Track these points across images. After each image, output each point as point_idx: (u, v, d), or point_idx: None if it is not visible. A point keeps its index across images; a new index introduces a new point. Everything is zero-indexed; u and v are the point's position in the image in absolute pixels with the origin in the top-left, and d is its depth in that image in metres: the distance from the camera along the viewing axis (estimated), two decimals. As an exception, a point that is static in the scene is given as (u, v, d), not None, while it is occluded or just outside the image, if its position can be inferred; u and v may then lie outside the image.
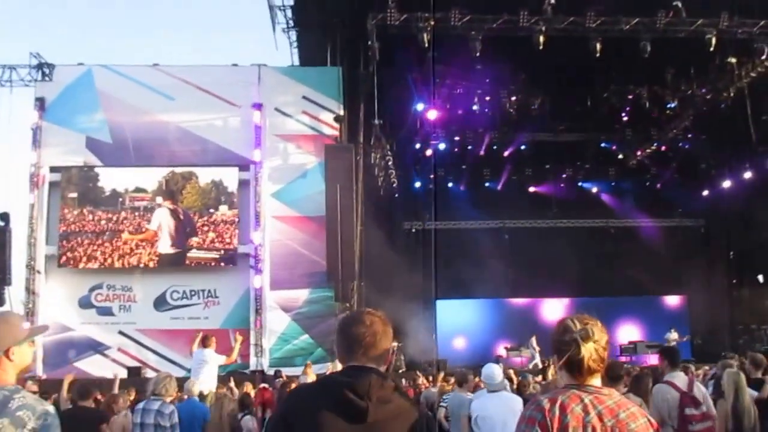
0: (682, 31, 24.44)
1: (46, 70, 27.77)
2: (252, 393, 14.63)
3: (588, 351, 3.43)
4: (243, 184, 27.37)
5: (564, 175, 36.85)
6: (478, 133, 34.00)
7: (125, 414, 10.45)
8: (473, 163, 35.64)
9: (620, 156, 36.38)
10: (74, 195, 27.03)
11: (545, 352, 27.69)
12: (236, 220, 27.17)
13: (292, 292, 26.63)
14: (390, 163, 30.33)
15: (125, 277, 26.87)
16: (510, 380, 13.32)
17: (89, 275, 26.78)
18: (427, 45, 24.03)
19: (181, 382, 11.61)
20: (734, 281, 34.31)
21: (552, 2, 23.68)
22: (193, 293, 26.78)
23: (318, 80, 27.95)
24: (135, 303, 26.72)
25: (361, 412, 3.30)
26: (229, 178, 27.44)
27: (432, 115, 30.82)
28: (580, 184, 37.36)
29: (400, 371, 25.54)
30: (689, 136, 34.17)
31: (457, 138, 33.97)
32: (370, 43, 24.11)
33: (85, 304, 26.58)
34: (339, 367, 3.73)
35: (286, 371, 21.22)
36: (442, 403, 12.54)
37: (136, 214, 27.01)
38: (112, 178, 27.31)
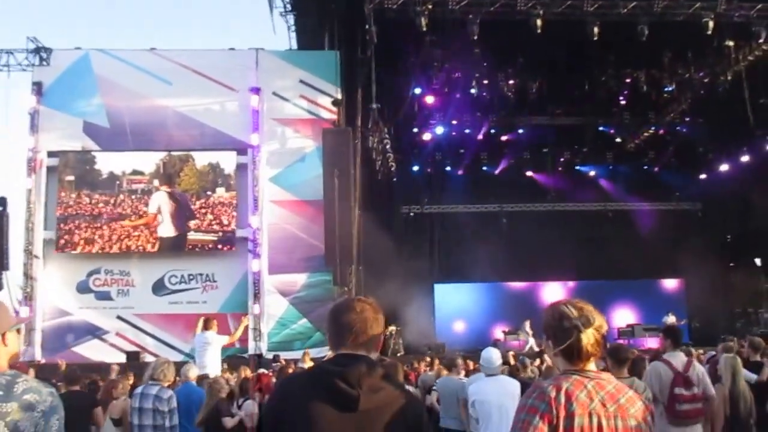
0: (679, 14, 24.41)
1: (44, 55, 27.72)
2: (250, 378, 14.63)
3: (587, 338, 3.43)
4: (241, 168, 27.40)
5: (561, 159, 36.81)
6: (476, 117, 33.98)
7: (124, 399, 10.48)
8: (471, 147, 35.58)
9: (618, 140, 36.38)
10: (71, 178, 27.06)
11: (538, 336, 27.81)
12: (234, 202, 27.20)
13: (291, 276, 26.67)
14: (388, 147, 30.26)
15: (123, 261, 26.89)
16: (508, 364, 13.39)
17: (87, 260, 26.80)
18: (424, 29, 23.98)
19: (179, 366, 11.65)
20: (731, 265, 34.33)
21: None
22: (191, 277, 26.81)
23: (316, 64, 27.93)
24: (133, 287, 26.76)
25: (351, 400, 3.29)
26: (227, 161, 27.44)
27: (430, 99, 30.86)
28: (577, 167, 37.34)
29: (398, 355, 25.60)
30: (687, 119, 34.17)
31: (454, 122, 33.89)
32: (367, 27, 24.04)
33: (83, 288, 26.61)
34: None
35: (285, 355, 21.36)
36: (434, 388, 12.64)
37: (134, 197, 27.05)
38: (109, 162, 27.30)
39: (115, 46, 28.84)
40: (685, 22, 24.55)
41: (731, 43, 26.59)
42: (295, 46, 29.56)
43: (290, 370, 16.46)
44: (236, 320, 22.91)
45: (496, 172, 36.58)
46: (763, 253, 31.68)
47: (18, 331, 4.01)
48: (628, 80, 31.09)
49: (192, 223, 27.02)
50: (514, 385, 8.85)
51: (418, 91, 29.78)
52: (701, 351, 17.02)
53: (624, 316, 33.39)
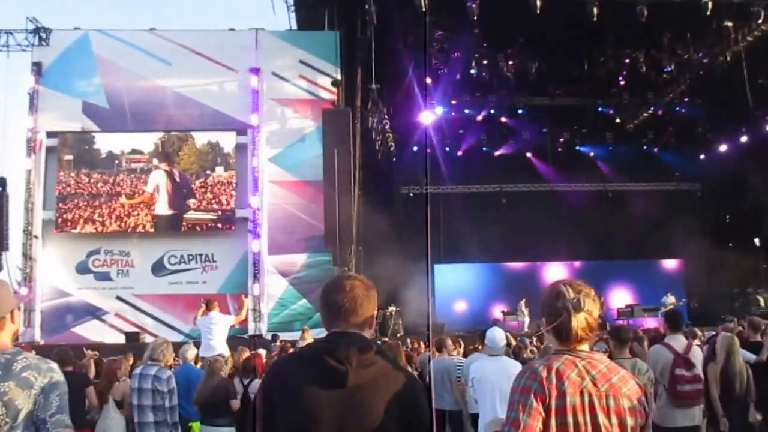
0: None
1: (43, 35, 27.73)
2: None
3: (578, 321, 3.45)
4: (240, 148, 27.44)
5: (561, 140, 36.80)
6: (476, 98, 34.01)
7: (124, 380, 10.51)
8: (470, 128, 35.62)
9: (617, 120, 36.35)
10: (70, 158, 27.12)
11: (534, 315, 27.95)
12: (233, 181, 27.23)
13: (290, 257, 26.73)
14: (387, 127, 30.28)
15: (123, 242, 26.94)
16: (509, 345, 13.45)
17: (87, 240, 26.85)
18: (424, 9, 23.93)
19: (178, 347, 11.69)
20: (730, 245, 34.33)
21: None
22: (191, 258, 26.87)
23: (315, 44, 27.93)
24: (132, 268, 26.82)
25: (340, 376, 3.28)
26: (227, 140, 27.49)
27: (429, 79, 30.82)
28: (577, 148, 37.32)
29: (398, 335, 25.65)
30: (686, 100, 34.16)
31: (454, 102, 33.90)
32: (367, 7, 23.99)
33: (82, 269, 26.67)
34: None
35: (285, 336, 21.37)
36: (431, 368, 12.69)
37: (133, 176, 27.12)
38: (108, 141, 27.35)
39: (114, 26, 28.76)
40: (684, 2, 24.57)
41: (730, 24, 26.58)
42: (294, 26, 29.49)
43: (291, 351, 16.59)
44: (236, 300, 22.98)
45: (496, 152, 36.59)
46: (762, 234, 31.74)
47: (18, 308, 4.00)
48: (627, 61, 31.08)
49: (191, 202, 27.06)
50: (515, 366, 8.80)
51: (417, 71, 29.66)
52: (699, 333, 17.06)
53: (623, 296, 33.46)
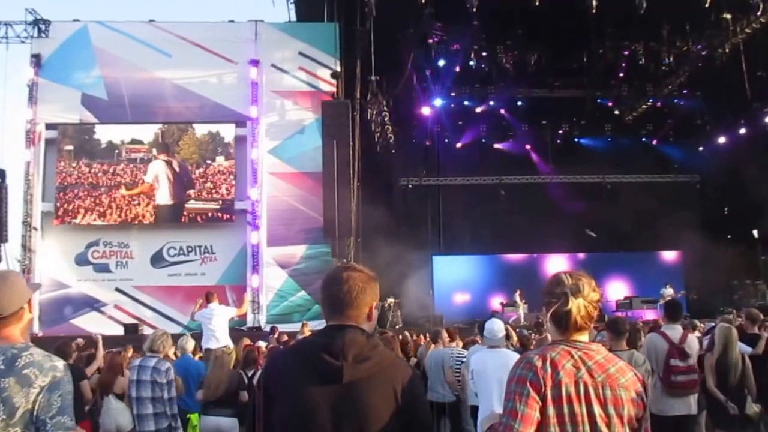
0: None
1: (42, 27, 27.74)
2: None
3: (576, 306, 3.45)
4: (240, 140, 27.47)
5: (560, 132, 36.85)
6: (475, 89, 34.00)
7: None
8: (469, 120, 35.63)
9: (616, 112, 36.34)
10: (70, 148, 27.14)
11: (533, 306, 28.03)
12: (233, 170, 27.26)
13: (290, 249, 26.76)
14: (386, 119, 30.26)
15: (122, 233, 26.97)
16: (507, 336, 13.47)
17: (86, 232, 26.88)
18: (423, 1, 23.97)
19: (177, 339, 11.71)
20: (729, 237, 34.34)
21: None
22: (190, 249, 26.89)
23: (315, 36, 27.92)
24: (132, 259, 26.85)
25: (335, 372, 3.27)
26: (226, 131, 27.53)
27: (428, 71, 30.83)
28: (576, 139, 37.35)
29: (397, 327, 25.69)
30: (685, 92, 34.14)
31: (453, 94, 33.88)
32: (366, -1, 24.04)
33: (81, 260, 26.70)
34: None
35: (284, 327, 21.36)
36: (426, 361, 12.70)
37: (132, 165, 27.12)
38: (108, 131, 27.39)
39: (113, 18, 28.92)
40: (683, -6, 24.58)
41: (729, 16, 26.57)
42: (294, 18, 29.45)
43: (285, 340, 16.66)
44: (234, 292, 22.97)
45: (495, 144, 36.60)
46: (761, 225, 31.73)
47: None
48: (626, 53, 31.07)
49: (191, 192, 27.08)
50: (515, 358, 8.82)
51: (416, 62, 29.66)
52: (699, 324, 17.08)
53: (622, 288, 33.46)
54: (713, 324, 13.11)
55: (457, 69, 31.52)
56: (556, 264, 33.55)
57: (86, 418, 10.08)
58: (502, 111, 35.38)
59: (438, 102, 33.63)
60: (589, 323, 3.52)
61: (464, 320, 27.36)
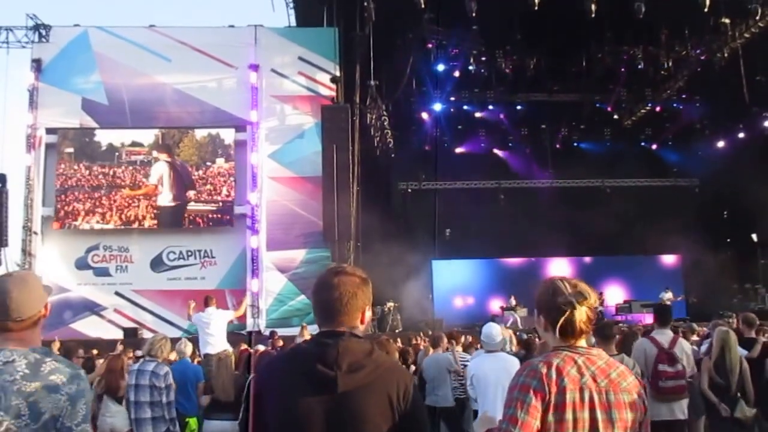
0: (676, -9, 24.51)
1: (43, 32, 27.74)
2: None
3: (581, 314, 3.45)
4: (239, 144, 27.48)
5: (559, 136, 36.89)
6: (474, 94, 34.02)
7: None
8: (469, 124, 35.69)
9: (615, 116, 36.39)
10: (71, 150, 27.15)
11: (531, 309, 27.97)
12: (233, 172, 27.30)
13: (289, 253, 26.75)
14: (386, 123, 30.31)
15: (122, 237, 26.98)
16: (516, 342, 13.49)
17: (86, 236, 26.89)
18: (423, 5, 24.01)
19: (175, 343, 11.73)
20: (728, 240, 34.41)
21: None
22: (189, 254, 26.90)
23: (314, 41, 27.92)
24: (131, 263, 26.85)
25: (330, 382, 3.22)
26: (226, 134, 27.59)
27: (427, 75, 30.89)
28: (575, 144, 37.43)
29: (397, 331, 25.71)
30: (683, 96, 34.20)
31: (452, 98, 33.91)
32: (365, 3, 24.03)
33: (81, 265, 26.70)
34: None
35: (283, 332, 21.37)
36: (423, 366, 12.72)
37: (132, 167, 27.11)
38: (108, 134, 27.41)
39: (114, 23, 28.81)
40: (682, -1, 24.62)
41: (728, 21, 26.61)
42: (293, 23, 29.48)
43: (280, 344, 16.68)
44: (234, 296, 22.99)
45: (494, 148, 36.68)
46: (760, 229, 31.76)
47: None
48: (625, 57, 31.09)
49: (191, 194, 27.11)
50: (514, 363, 8.74)
51: (415, 67, 29.72)
52: (698, 328, 17.09)
53: (621, 292, 33.55)
54: (707, 330, 13.15)
55: (457, 73, 31.61)
56: (555, 268, 33.71)
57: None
58: (502, 115, 35.43)
59: (437, 106, 33.75)
60: (590, 327, 3.53)
61: (464, 324, 27.42)
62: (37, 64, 27.42)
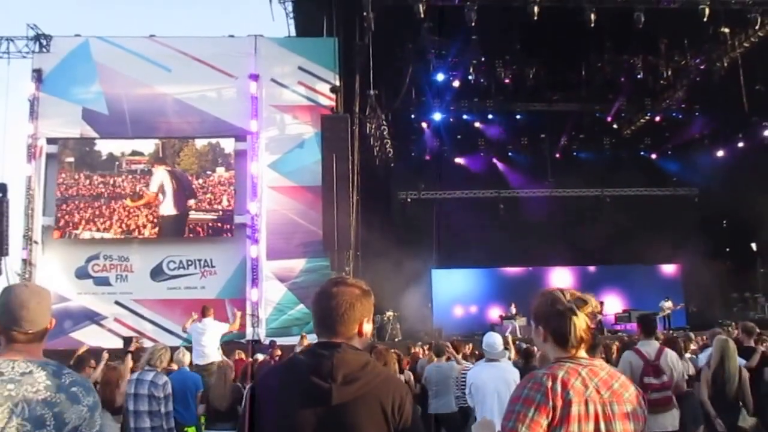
0: (675, 1, 24.50)
1: (44, 42, 27.72)
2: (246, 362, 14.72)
3: (581, 322, 3.44)
4: (239, 154, 27.43)
5: (559, 145, 36.91)
6: (474, 103, 34.06)
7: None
8: (468, 133, 35.73)
9: (615, 126, 36.44)
10: (71, 160, 27.12)
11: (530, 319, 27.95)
12: (233, 182, 27.30)
13: (289, 262, 26.70)
14: (385, 133, 30.37)
15: (122, 247, 26.95)
16: (506, 348, 13.52)
17: (86, 245, 26.85)
18: (422, 15, 24.06)
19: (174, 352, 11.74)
20: (728, 250, 34.44)
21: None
22: (189, 263, 26.86)
23: (314, 51, 27.89)
24: (132, 273, 26.78)
25: (324, 394, 3.22)
26: (226, 143, 27.57)
27: (427, 85, 30.93)
28: (575, 153, 37.46)
29: (396, 340, 25.71)
30: (683, 106, 34.22)
31: (452, 108, 33.94)
32: (365, 13, 24.05)
33: (81, 274, 26.65)
34: None
35: (283, 341, 21.40)
36: (425, 374, 12.74)
37: (132, 177, 27.07)
38: (108, 144, 27.38)
39: (114, 33, 28.86)
40: (681, 9, 24.61)
41: (727, 30, 26.66)
42: (293, 32, 29.47)
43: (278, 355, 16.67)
44: (234, 306, 23.01)
45: (494, 158, 36.71)
46: (759, 239, 31.79)
47: None
48: (624, 67, 31.10)
49: (191, 203, 27.10)
50: (512, 373, 8.79)
51: (415, 77, 29.74)
52: (694, 337, 17.09)
53: (621, 301, 33.55)
54: (705, 340, 13.16)
55: (456, 83, 31.62)
56: (554, 277, 33.72)
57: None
58: (501, 125, 35.45)
59: (437, 116, 33.82)
60: (590, 337, 3.50)
61: (463, 333, 27.43)
62: (37, 74, 27.39)
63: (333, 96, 26.92)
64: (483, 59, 30.69)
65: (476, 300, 34.83)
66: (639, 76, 30.94)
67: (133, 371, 10.66)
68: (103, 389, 10.41)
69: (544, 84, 31.70)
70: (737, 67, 27.18)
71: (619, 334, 25.79)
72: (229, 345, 19.29)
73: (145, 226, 26.84)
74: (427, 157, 35.70)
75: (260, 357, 15.91)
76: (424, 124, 34.29)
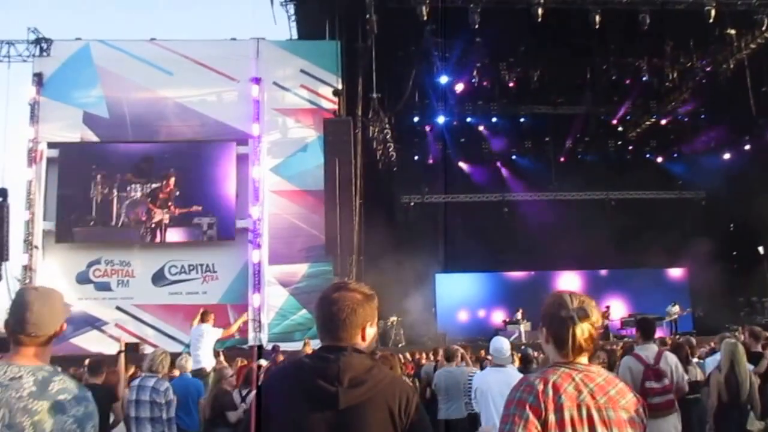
0: (681, 2, 24.36)
1: (44, 46, 27.71)
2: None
3: (582, 331, 3.40)
4: (241, 158, 27.30)
5: (564, 148, 36.78)
6: (478, 106, 34.00)
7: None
8: (472, 137, 35.64)
9: (620, 128, 36.34)
10: (73, 165, 27.00)
11: (535, 324, 27.77)
12: (235, 186, 27.20)
13: (291, 267, 26.60)
14: (388, 136, 30.23)
15: (123, 252, 26.85)
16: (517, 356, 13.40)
17: (87, 250, 26.78)
18: (425, 18, 23.93)
19: (176, 358, 11.60)
20: (735, 253, 34.28)
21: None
22: (191, 268, 26.76)
23: (316, 54, 27.85)
24: (133, 278, 26.70)
25: (331, 398, 3.22)
26: (227, 150, 27.40)
27: (430, 88, 30.81)
28: (579, 156, 37.31)
29: (400, 345, 25.58)
30: (689, 108, 34.07)
31: (456, 111, 33.87)
32: (368, 16, 23.99)
33: (82, 279, 26.54)
34: None
35: (285, 346, 21.23)
36: (435, 379, 12.62)
37: (135, 181, 26.95)
38: (111, 149, 27.38)
39: (115, 36, 28.84)
40: (687, 10, 24.49)
41: (733, 32, 26.55)
42: (295, 35, 29.43)
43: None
44: (236, 311, 22.90)
45: (498, 161, 36.57)
46: (766, 242, 31.60)
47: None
48: (630, 69, 30.99)
49: (193, 207, 26.94)
50: (517, 378, 8.69)
51: (418, 80, 29.62)
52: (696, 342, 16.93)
53: (627, 305, 33.33)
54: (712, 345, 13.04)
55: (460, 86, 31.52)
56: (559, 281, 33.53)
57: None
58: (505, 128, 35.34)
59: (440, 119, 33.70)
60: (592, 345, 3.46)
61: (467, 338, 27.25)
62: (38, 78, 27.36)
63: (335, 99, 26.91)
64: (487, 62, 30.61)
65: (481, 305, 34.69)
66: (644, 79, 30.87)
67: (134, 377, 10.55)
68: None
69: (548, 86, 31.69)
70: (743, 68, 27.10)
71: (625, 339, 25.57)
72: (231, 351, 19.16)
73: (146, 231, 26.70)
74: (431, 161, 35.61)
75: (263, 363, 15.73)
76: (427, 128, 34.22)
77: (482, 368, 11.80)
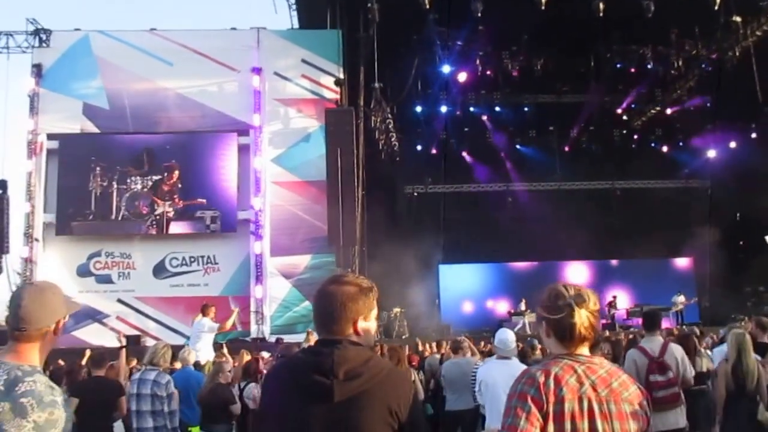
0: (686, -11, 24.25)
1: (43, 37, 27.71)
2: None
3: (581, 317, 3.34)
4: (243, 149, 27.22)
5: (568, 137, 36.62)
6: (481, 95, 33.88)
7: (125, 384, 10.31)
8: (475, 126, 35.50)
9: (625, 117, 36.19)
10: (72, 156, 26.91)
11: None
12: (236, 177, 27.12)
13: (293, 258, 26.55)
14: (391, 126, 30.10)
15: (124, 244, 26.80)
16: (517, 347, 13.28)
17: (87, 242, 26.75)
18: (427, 6, 23.76)
19: (178, 350, 11.52)
20: (741, 243, 34.13)
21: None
22: (192, 260, 26.69)
23: (318, 43, 27.79)
24: (134, 270, 26.66)
25: (326, 391, 3.15)
26: (228, 141, 27.24)
27: (433, 77, 30.66)
28: (584, 145, 37.16)
29: (404, 337, 25.43)
30: (694, 96, 33.88)
31: (459, 100, 33.78)
32: (369, 5, 23.86)
33: (83, 272, 26.52)
34: None
35: (288, 338, 21.13)
36: (443, 371, 12.51)
37: (135, 173, 26.87)
38: (111, 141, 27.30)
39: (115, 27, 28.72)
40: (692, -3, 24.38)
41: (739, 19, 26.29)
42: (296, 25, 29.37)
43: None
44: (238, 303, 22.78)
45: (502, 150, 36.40)
46: (773, 231, 31.48)
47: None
48: (634, 57, 30.84)
49: (195, 200, 26.87)
50: (521, 370, 8.54)
51: (421, 69, 29.50)
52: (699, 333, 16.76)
53: (633, 296, 33.17)
54: (721, 334, 12.89)
55: (463, 75, 31.39)
56: (564, 272, 33.40)
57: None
58: (509, 117, 35.21)
59: (443, 109, 33.56)
60: (592, 333, 3.41)
61: (471, 329, 27.12)
62: (37, 69, 27.34)
63: (337, 89, 26.86)
64: (490, 50, 30.50)
65: (485, 296, 34.57)
66: (649, 67, 30.75)
67: (134, 370, 10.50)
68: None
69: (552, 75, 31.61)
70: (749, 56, 26.90)
71: (631, 329, 25.44)
72: (234, 343, 19.03)
73: (147, 223, 26.61)
74: (434, 151, 35.47)
75: (266, 355, 15.65)
76: (430, 117, 33.98)
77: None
